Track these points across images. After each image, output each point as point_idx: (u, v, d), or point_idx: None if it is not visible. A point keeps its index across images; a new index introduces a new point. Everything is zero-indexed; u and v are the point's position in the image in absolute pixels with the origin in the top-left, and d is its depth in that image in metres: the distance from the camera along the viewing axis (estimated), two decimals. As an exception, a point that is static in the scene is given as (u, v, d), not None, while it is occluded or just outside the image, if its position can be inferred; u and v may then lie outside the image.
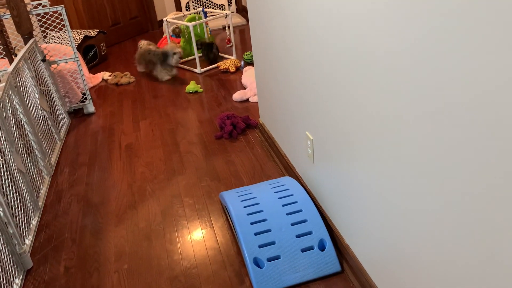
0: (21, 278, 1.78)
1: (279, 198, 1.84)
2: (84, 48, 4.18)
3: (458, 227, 0.92)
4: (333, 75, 1.42)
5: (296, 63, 1.77)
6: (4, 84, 2.06)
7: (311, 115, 1.72)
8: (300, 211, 1.76)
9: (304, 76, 1.71)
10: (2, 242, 1.70)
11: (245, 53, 3.93)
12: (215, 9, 5.45)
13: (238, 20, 5.32)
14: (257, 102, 3.12)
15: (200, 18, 4.14)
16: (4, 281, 1.64)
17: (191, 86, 3.47)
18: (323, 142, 1.65)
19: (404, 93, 1.02)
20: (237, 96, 3.22)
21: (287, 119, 2.08)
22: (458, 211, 0.91)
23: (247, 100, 3.22)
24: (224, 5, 5.48)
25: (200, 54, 4.12)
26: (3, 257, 1.68)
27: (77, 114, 3.33)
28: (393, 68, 1.04)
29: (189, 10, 5.45)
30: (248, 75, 3.40)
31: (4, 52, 2.99)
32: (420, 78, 0.94)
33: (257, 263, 1.61)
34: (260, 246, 1.65)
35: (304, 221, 1.72)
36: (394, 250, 1.24)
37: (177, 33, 4.33)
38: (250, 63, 3.82)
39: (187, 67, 4.00)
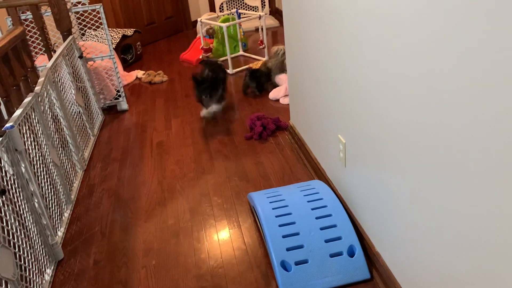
0: (52, 268, 1.82)
1: (308, 202, 1.81)
2: (122, 47, 4.26)
3: (498, 241, 0.87)
4: (368, 78, 1.39)
5: (330, 65, 1.74)
6: (43, 78, 2.12)
7: (344, 118, 1.69)
8: (330, 215, 1.73)
9: (338, 78, 1.68)
10: (35, 232, 1.74)
11: (278, 55, 3.91)
12: (249, 10, 5.47)
13: (271, 22, 5.31)
14: (288, 104, 3.10)
15: (233, 19, 4.16)
16: (36, 271, 1.68)
17: None
18: (355, 146, 1.62)
19: (443, 96, 0.98)
20: (272, 94, 3.25)
21: (319, 122, 2.05)
22: (500, 222, 0.86)
23: (278, 100, 3.21)
24: (257, 6, 5.49)
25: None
26: (36, 247, 1.72)
27: (110, 111, 3.40)
28: (430, 71, 1.01)
29: (223, 11, 5.49)
30: (282, 77, 3.38)
31: (44, 48, 3.08)
32: (458, 80, 0.90)
33: (284, 266, 1.59)
34: (288, 249, 1.62)
35: (334, 226, 1.69)
36: (427, 261, 1.20)
37: (211, 33, 4.36)
38: (282, 65, 3.80)
39: (219, 68, 4.01)
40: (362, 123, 1.51)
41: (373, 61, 1.34)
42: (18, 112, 1.76)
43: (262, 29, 3.97)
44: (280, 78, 3.37)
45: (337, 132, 1.79)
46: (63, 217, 2.11)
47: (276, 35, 4.97)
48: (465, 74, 0.90)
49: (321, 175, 2.12)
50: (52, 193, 2.00)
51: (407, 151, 1.21)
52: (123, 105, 3.37)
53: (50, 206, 1.94)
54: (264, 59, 3.96)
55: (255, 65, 3.81)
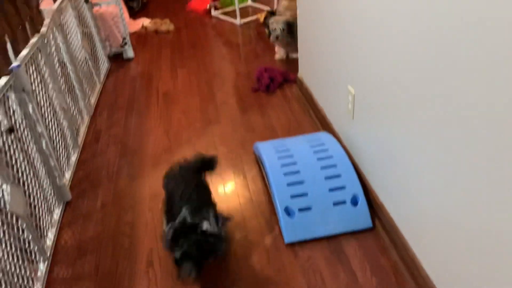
0: (60, 209, 1.86)
1: (314, 152, 1.82)
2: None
3: (499, 189, 0.88)
4: (380, 27, 1.35)
5: (340, 15, 1.69)
6: (49, 20, 2.08)
7: (355, 69, 1.66)
8: (334, 165, 1.74)
9: (349, 29, 1.64)
10: (44, 173, 1.77)
11: (287, 7, 3.80)
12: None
13: (282, -27, 5.13)
14: (297, 58, 3.05)
15: (243, -33, 4.02)
16: (46, 209, 1.72)
17: None
18: (365, 98, 1.60)
19: (457, 47, 0.95)
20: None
21: (329, 73, 2.02)
22: (499, 171, 0.86)
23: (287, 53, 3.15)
24: (268, -44, 5.29)
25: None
26: (45, 187, 1.75)
27: (116, 59, 3.36)
28: (445, 21, 0.98)
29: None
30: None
31: (49, -9, 3.00)
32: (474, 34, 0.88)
33: (288, 212, 1.62)
34: (292, 196, 1.65)
35: (338, 175, 1.70)
36: (430, 212, 1.21)
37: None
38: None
39: (226, 18, 3.93)
40: (373, 74, 1.49)
41: (387, 10, 1.30)
42: (24, 52, 1.73)
43: (272, -21, 3.85)
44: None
45: (347, 83, 1.77)
46: (70, 161, 2.13)
47: (286, -13, 4.81)
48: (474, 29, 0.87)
49: (328, 127, 2.12)
50: (60, 136, 2.01)
51: (415, 103, 1.19)
52: (129, 53, 3.32)
53: (58, 148, 1.96)
54: (273, 9, 3.86)
55: (261, 16, 3.72)
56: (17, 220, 1.43)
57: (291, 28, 2.82)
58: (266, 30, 2.95)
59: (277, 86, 2.70)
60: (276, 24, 2.83)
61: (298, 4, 2.36)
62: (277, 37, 2.85)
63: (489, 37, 0.86)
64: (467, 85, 0.96)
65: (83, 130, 2.41)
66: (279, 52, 3.12)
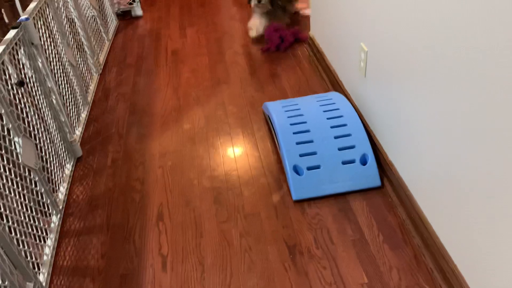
0: (72, 164, 1.88)
1: (324, 111, 1.80)
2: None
3: (504, 147, 0.87)
4: (400, -23, 1.30)
5: (358, -34, 1.63)
6: (56, -27, 2.04)
7: (368, 26, 1.62)
8: (345, 125, 1.72)
9: (366, -19, 1.58)
10: (55, 128, 1.78)
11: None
12: None
13: None
14: (309, 16, 2.97)
15: None
16: (57, 164, 1.74)
17: None
18: (377, 55, 1.57)
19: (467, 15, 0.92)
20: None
21: (341, 30, 1.97)
22: (506, 132, 0.85)
23: (299, 12, 3.07)
24: None
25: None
26: (55, 142, 1.77)
27: (125, 17, 3.31)
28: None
29: None
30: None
31: None
32: None
33: (296, 170, 1.63)
34: (301, 155, 1.65)
35: (348, 135, 1.69)
36: (440, 172, 1.21)
37: None
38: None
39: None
40: (386, 31, 1.45)
41: (406, -43, 1.25)
42: (32, 5, 1.71)
43: None
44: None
45: (360, 40, 1.73)
46: (80, 118, 2.14)
47: None
48: None
49: (338, 87, 2.09)
50: (69, 92, 2.01)
51: (426, 62, 1.16)
52: (138, 11, 3.27)
53: (68, 105, 1.96)
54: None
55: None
56: (29, 173, 1.46)
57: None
58: None
59: (288, 46, 2.65)
60: None
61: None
62: (259, 1, 2.45)
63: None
64: (478, 45, 0.93)
65: (92, 87, 2.40)
66: (255, 25, 2.62)
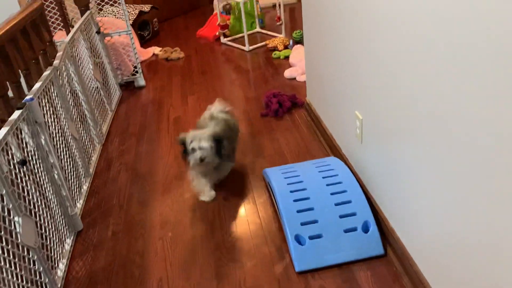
0: (72, 238, 1.87)
1: (323, 178, 1.81)
2: (139, 23, 4.25)
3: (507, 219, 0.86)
4: (386, 54, 1.36)
5: (348, 42, 1.71)
6: (61, 53, 2.14)
7: (362, 94, 1.67)
8: (344, 191, 1.72)
9: (356, 55, 1.65)
10: (55, 203, 1.79)
11: (295, 32, 3.85)
12: (266, -14, 5.37)
13: (289, -2, 5.22)
14: (304, 81, 3.07)
15: (251, -5, 4.10)
16: (57, 240, 1.73)
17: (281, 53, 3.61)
18: (373, 123, 1.60)
19: (464, 73, 0.95)
20: (287, 73, 3.22)
21: (336, 98, 2.03)
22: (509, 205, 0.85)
23: (295, 79, 3.18)
24: (275, -18, 5.39)
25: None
26: (56, 217, 1.77)
27: (128, 87, 3.42)
28: (452, 52, 0.98)
29: (240, -13, 5.40)
30: (297, 54, 3.34)
31: (62, 24, 3.09)
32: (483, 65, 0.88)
33: (298, 240, 1.61)
34: (302, 224, 1.63)
35: (349, 201, 1.69)
36: (444, 238, 1.19)
37: (227, 9, 4.31)
38: (299, 41, 3.75)
39: (235, 45, 3.99)
40: (380, 99, 1.49)
41: (391, 38, 1.31)
42: (37, 85, 1.78)
43: (279, 5, 3.91)
44: (294, 57, 3.34)
45: (354, 108, 1.77)
46: (82, 190, 2.15)
47: (294, 12, 4.89)
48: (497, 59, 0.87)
49: (336, 152, 2.11)
50: (71, 166, 2.04)
51: (426, 129, 1.19)
52: (140, 81, 3.38)
53: (70, 178, 1.98)
54: (281, 35, 3.91)
55: (272, 42, 3.77)
56: (28, 252, 1.44)
57: (220, 146, 1.92)
58: (182, 153, 1.98)
59: (285, 111, 2.71)
60: (199, 142, 1.88)
61: (305, 29, 2.39)
62: (201, 160, 1.87)
63: (498, 69, 0.86)
64: (474, 108, 0.96)
65: (94, 158, 2.44)
66: (203, 189, 2.02)
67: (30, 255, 1.45)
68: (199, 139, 1.89)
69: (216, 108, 2.17)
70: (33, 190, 1.59)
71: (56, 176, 1.79)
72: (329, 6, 1.89)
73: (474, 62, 0.92)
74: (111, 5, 3.41)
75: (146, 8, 4.34)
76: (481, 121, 0.93)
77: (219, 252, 1.72)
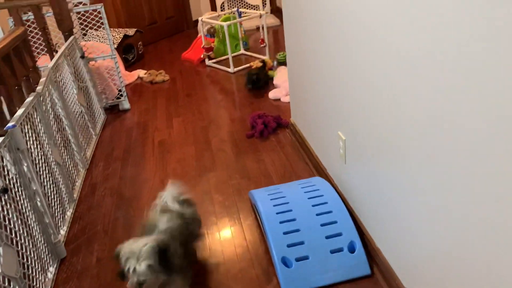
0: (55, 266, 1.83)
1: (309, 198, 1.82)
2: (124, 47, 4.27)
3: (505, 236, 0.88)
4: (368, 75, 1.39)
5: (330, 63, 1.75)
6: (45, 78, 2.13)
7: (344, 115, 1.70)
8: (330, 212, 1.73)
9: (338, 76, 1.68)
10: (38, 231, 1.76)
11: (278, 54, 3.92)
12: (250, 9, 5.47)
13: (272, 20, 5.32)
14: (289, 102, 3.10)
15: (234, 18, 4.17)
16: (39, 269, 1.69)
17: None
18: (355, 143, 1.63)
19: (444, 95, 0.98)
20: (272, 94, 3.25)
21: (319, 119, 2.05)
22: (505, 218, 0.87)
23: (279, 99, 3.22)
24: (258, 5, 5.49)
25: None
26: (39, 245, 1.73)
27: (112, 110, 3.41)
28: (434, 67, 1.01)
29: (224, 10, 5.49)
30: (281, 75, 3.39)
31: (46, 49, 3.09)
32: (467, 78, 0.91)
33: (285, 262, 1.60)
34: (288, 246, 1.63)
35: (334, 222, 1.69)
36: (428, 257, 1.20)
37: (212, 32, 4.37)
38: (283, 63, 3.81)
39: (220, 67, 4.03)
40: (362, 120, 1.52)
41: (374, 59, 1.34)
42: (20, 111, 1.77)
43: (263, 28, 3.98)
44: (278, 78, 3.38)
45: (337, 129, 1.80)
46: (66, 216, 2.12)
47: (277, 34, 4.97)
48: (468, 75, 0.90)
49: (322, 172, 2.13)
50: (55, 192, 2.01)
51: (409, 149, 1.21)
52: (125, 104, 3.38)
53: (53, 204, 1.95)
54: (265, 57, 3.97)
55: (256, 64, 3.82)
56: (9, 283, 1.41)
57: (164, 256, 1.39)
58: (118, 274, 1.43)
59: (271, 131, 2.73)
60: (136, 261, 1.36)
61: (287, 51, 2.43)
62: (140, 285, 1.36)
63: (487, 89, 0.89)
64: (458, 128, 0.98)
65: (79, 183, 2.41)
66: None
67: (12, 286, 1.42)
68: (137, 258, 1.36)
69: (169, 197, 1.66)
70: (15, 218, 1.57)
71: (38, 203, 1.76)
72: (309, 29, 1.93)
73: (458, 83, 0.95)
74: (95, 29, 3.42)
75: (131, 32, 4.37)
76: (466, 141, 0.95)
77: (204, 278, 1.70)
